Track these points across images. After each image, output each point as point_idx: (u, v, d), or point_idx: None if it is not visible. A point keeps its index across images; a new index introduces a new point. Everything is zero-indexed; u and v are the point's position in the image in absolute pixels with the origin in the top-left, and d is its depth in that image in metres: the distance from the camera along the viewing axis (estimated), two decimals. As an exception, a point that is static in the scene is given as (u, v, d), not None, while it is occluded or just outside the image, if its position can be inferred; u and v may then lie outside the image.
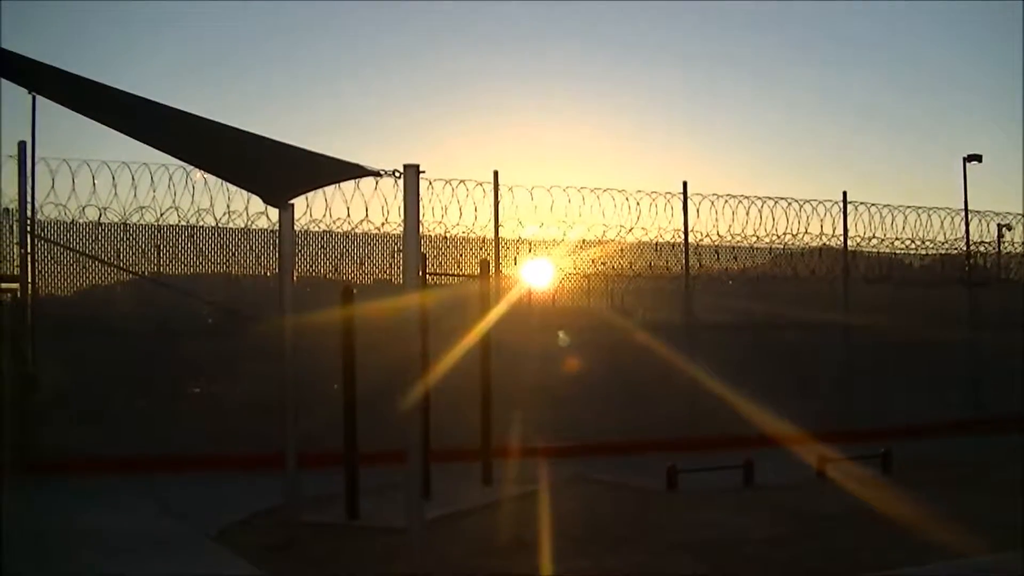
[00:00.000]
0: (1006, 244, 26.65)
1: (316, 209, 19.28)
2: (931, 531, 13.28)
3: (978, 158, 35.88)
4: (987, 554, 11.68)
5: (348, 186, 18.41)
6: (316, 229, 19.37)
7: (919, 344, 24.33)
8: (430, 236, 19.80)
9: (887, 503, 15.39)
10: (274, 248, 18.79)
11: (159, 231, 18.82)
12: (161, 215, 18.58)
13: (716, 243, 22.58)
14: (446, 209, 19.95)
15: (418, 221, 9.73)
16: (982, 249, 26.38)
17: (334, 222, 19.31)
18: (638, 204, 21.53)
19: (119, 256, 18.72)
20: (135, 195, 18.34)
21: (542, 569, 11.32)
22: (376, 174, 10.63)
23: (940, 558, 11.53)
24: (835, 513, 14.65)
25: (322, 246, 19.65)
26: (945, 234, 25.15)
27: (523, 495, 15.79)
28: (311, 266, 19.56)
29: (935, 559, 11.48)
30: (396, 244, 19.88)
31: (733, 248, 22.91)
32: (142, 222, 18.67)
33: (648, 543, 12.67)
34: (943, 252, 25.45)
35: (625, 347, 21.38)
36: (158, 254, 18.97)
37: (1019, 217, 26.29)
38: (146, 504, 14.93)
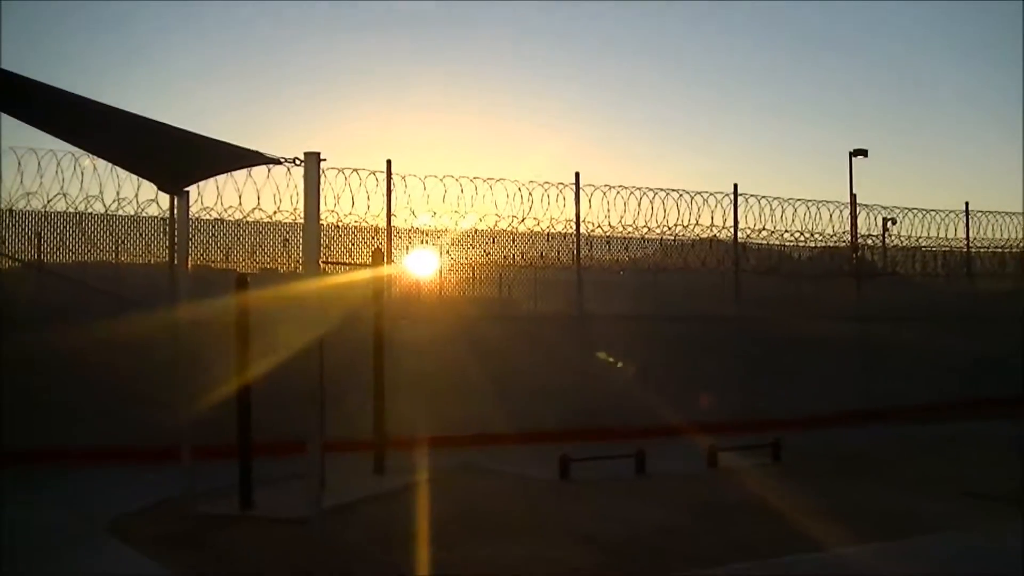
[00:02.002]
0: (892, 237, 27.10)
1: (207, 197, 19.01)
2: (816, 520, 13.50)
3: (864, 153, 36.59)
4: (868, 543, 11.85)
5: (240, 174, 18.17)
6: (207, 217, 19.09)
7: (809, 336, 24.66)
8: (323, 225, 19.63)
9: (776, 492, 15.61)
10: (165, 236, 18.53)
11: (45, 218, 18.45)
12: (48, 202, 18.22)
13: (608, 234, 22.63)
14: (339, 198, 19.81)
15: (318, 209, 9.65)
16: (869, 242, 26.81)
17: (226, 210, 19.06)
18: (530, 194, 21.56)
19: (3, 243, 18.33)
20: (21, 181, 17.98)
21: (434, 558, 11.29)
22: (276, 161, 10.54)
23: (823, 547, 11.69)
24: (726, 502, 14.79)
25: (213, 234, 19.37)
26: (833, 227, 25.54)
27: (416, 485, 15.76)
28: (202, 255, 19.26)
29: (818, 548, 11.63)
30: (288, 232, 19.68)
31: (625, 239, 22.98)
32: (28, 208, 18.30)
33: (541, 532, 12.69)
34: (831, 245, 25.81)
35: (517, 337, 21.39)
36: (39, 241, 18.57)
37: (905, 211, 26.74)
38: (37, 496, 14.68)
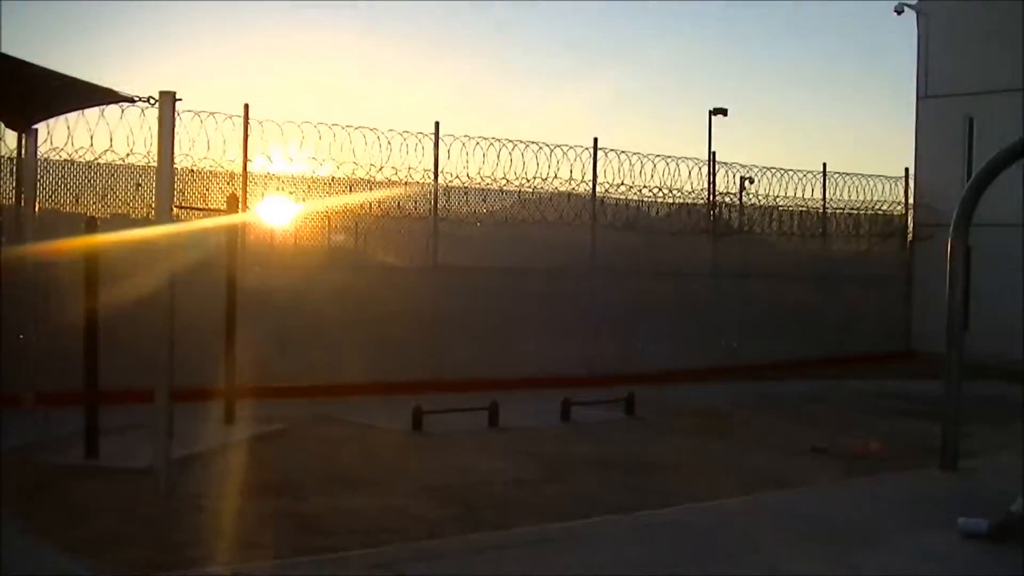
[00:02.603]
0: (749, 196, 27.40)
1: (57, 136, 18.42)
2: (666, 475, 13.64)
3: (724, 111, 36.94)
4: (715, 499, 11.97)
5: (92, 114, 17.64)
6: (57, 158, 18.50)
7: (665, 292, 24.90)
8: (178, 169, 19.12)
9: (628, 447, 15.73)
10: (11, 176, 17.91)
11: None
12: None
13: (466, 185, 22.50)
14: (194, 142, 19.35)
15: (172, 151, 9.40)
16: (727, 200, 27.08)
17: (76, 151, 18.48)
18: (389, 143, 21.31)
19: None
20: None
21: (284, 508, 11.15)
22: (130, 100, 10.28)
23: (671, 502, 11.77)
24: (578, 456, 14.85)
25: (63, 176, 18.77)
26: (692, 184, 25.75)
27: (268, 435, 15.56)
28: (51, 197, 18.63)
29: (666, 503, 11.71)
30: (141, 176, 19.19)
31: (483, 191, 22.87)
32: None
33: (393, 485, 12.61)
34: (689, 202, 25.99)
35: (372, 287, 21.22)
36: None
37: (763, 170, 27.02)
38: None
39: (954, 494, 12.27)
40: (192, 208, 18.91)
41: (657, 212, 25.72)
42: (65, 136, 18.35)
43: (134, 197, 19.33)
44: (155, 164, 10.65)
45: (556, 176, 23.22)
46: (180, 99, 9.41)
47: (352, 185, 21.43)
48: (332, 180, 21.28)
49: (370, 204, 21.80)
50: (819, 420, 18.98)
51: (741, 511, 11.32)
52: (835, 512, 11.39)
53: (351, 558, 8.87)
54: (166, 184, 9.48)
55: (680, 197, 25.59)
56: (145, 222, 18.03)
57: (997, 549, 9.80)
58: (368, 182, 21.50)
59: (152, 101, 9.52)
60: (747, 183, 27.65)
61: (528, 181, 22.97)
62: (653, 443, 16.12)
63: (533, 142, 22.83)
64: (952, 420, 13.58)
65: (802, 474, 13.86)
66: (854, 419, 19.23)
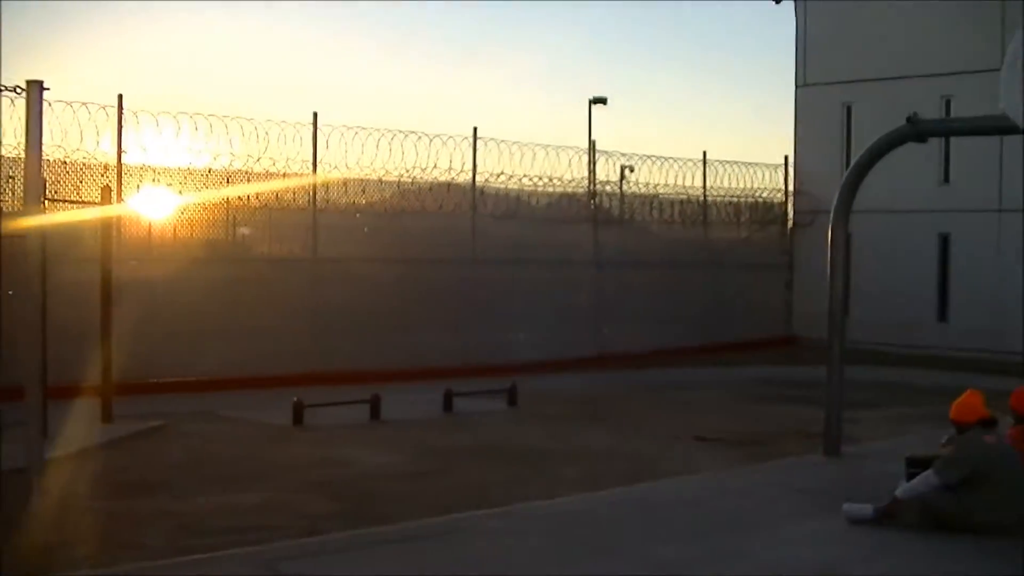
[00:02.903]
0: (631, 184, 27.44)
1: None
2: (548, 465, 13.60)
3: (603, 100, 37.00)
4: (599, 489, 11.94)
5: (-43, 105, 17.09)
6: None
7: (546, 281, 24.86)
8: (49, 160, 18.65)
9: (510, 437, 15.66)
10: None
11: None
12: None
13: (345, 176, 22.25)
14: (66, 133, 18.88)
15: (41, 142, 9.11)
16: (608, 189, 27.09)
17: (-66, 142, 17.86)
18: (267, 133, 20.99)
19: None
20: None
21: (162, 507, 10.92)
22: (-6, 90, 9.90)
23: (555, 493, 11.73)
24: (460, 448, 14.76)
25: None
26: (572, 173, 25.72)
27: (145, 432, 15.27)
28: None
29: (549, 494, 11.66)
30: (11, 168, 18.65)
31: (362, 181, 22.63)
32: None
33: (274, 480, 12.43)
34: (570, 191, 25.96)
35: (250, 280, 20.93)
36: None
37: (644, 159, 27.07)
38: None
39: (839, 480, 12.38)
40: (64, 201, 18.44)
41: (538, 201, 25.64)
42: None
43: (5, 190, 18.78)
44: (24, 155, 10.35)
45: (436, 166, 23.05)
46: (48, 88, 9.12)
47: (229, 177, 21.09)
48: (209, 172, 20.93)
49: (248, 196, 21.46)
50: (701, 407, 19.08)
51: (625, 500, 11.30)
52: (720, 500, 11.43)
53: (230, 557, 8.70)
54: (34, 175, 9.18)
55: (561, 186, 25.57)
56: (14, 214, 17.54)
57: (882, 533, 9.89)
58: (246, 173, 21.16)
59: (19, 90, 9.22)
60: (627, 171, 27.71)
61: (408, 171, 22.75)
62: (536, 433, 16.07)
63: (412, 131, 22.63)
64: (835, 406, 13.70)
65: (686, 462, 13.89)
66: (736, 406, 19.34)
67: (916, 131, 12.98)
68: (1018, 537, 9.63)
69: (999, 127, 12.53)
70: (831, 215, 13.74)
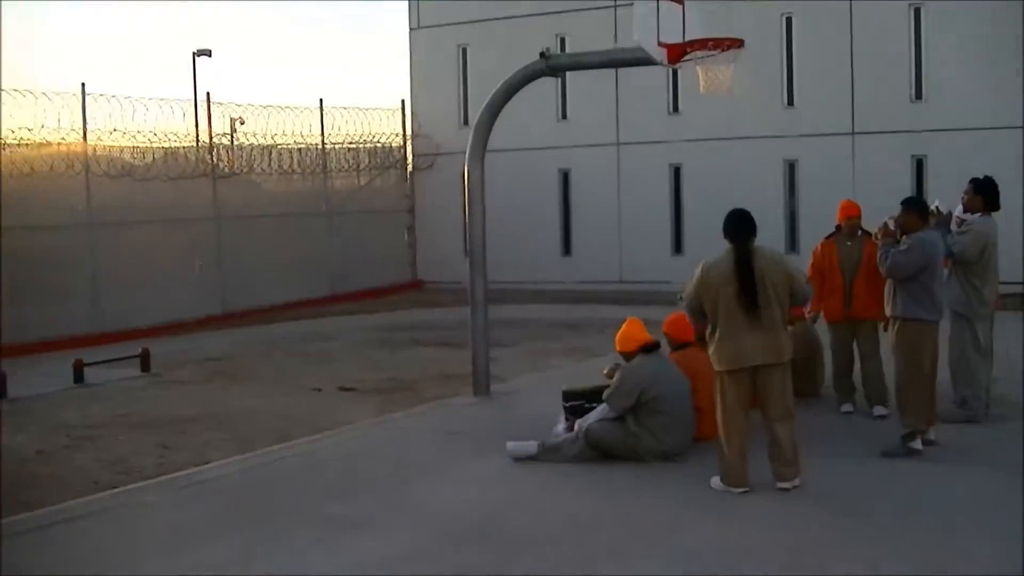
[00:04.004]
0: (248, 136, 26.69)
1: None
2: (197, 428, 13.15)
3: (208, 53, 36.05)
4: (259, 447, 11.60)
5: None
6: None
7: (165, 240, 24.02)
8: None
9: (149, 404, 15.03)
10: None
11: None
12: None
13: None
14: None
15: None
16: (225, 141, 26.36)
17: None
18: None
19: None
20: None
21: None
22: None
23: (210, 457, 11.37)
24: (98, 419, 14.04)
25: None
26: (188, 127, 24.85)
27: None
28: None
29: (205, 458, 11.33)
30: None
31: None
32: None
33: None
34: (186, 145, 25.07)
35: None
36: None
37: (260, 108, 26.37)
38: None
39: (494, 419, 12.40)
40: None
41: (154, 157, 24.54)
42: None
43: None
44: None
45: (43, 127, 21.66)
46: None
47: None
48: None
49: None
50: (339, 358, 18.78)
51: (284, 459, 10.96)
52: (381, 449, 11.27)
53: None
54: None
55: (177, 140, 24.66)
56: None
57: (549, 468, 9.92)
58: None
59: None
60: (239, 123, 27.01)
61: (12, 132, 21.32)
62: (176, 398, 15.46)
63: (16, 89, 21.24)
64: (481, 346, 13.70)
65: (336, 414, 13.59)
66: (373, 353, 19.13)
67: (550, 66, 13.00)
68: (683, 461, 9.91)
69: (634, 59, 12.70)
70: (467, 154, 13.59)
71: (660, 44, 12.17)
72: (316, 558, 7.75)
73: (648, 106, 27.66)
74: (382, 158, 30.43)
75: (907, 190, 24.17)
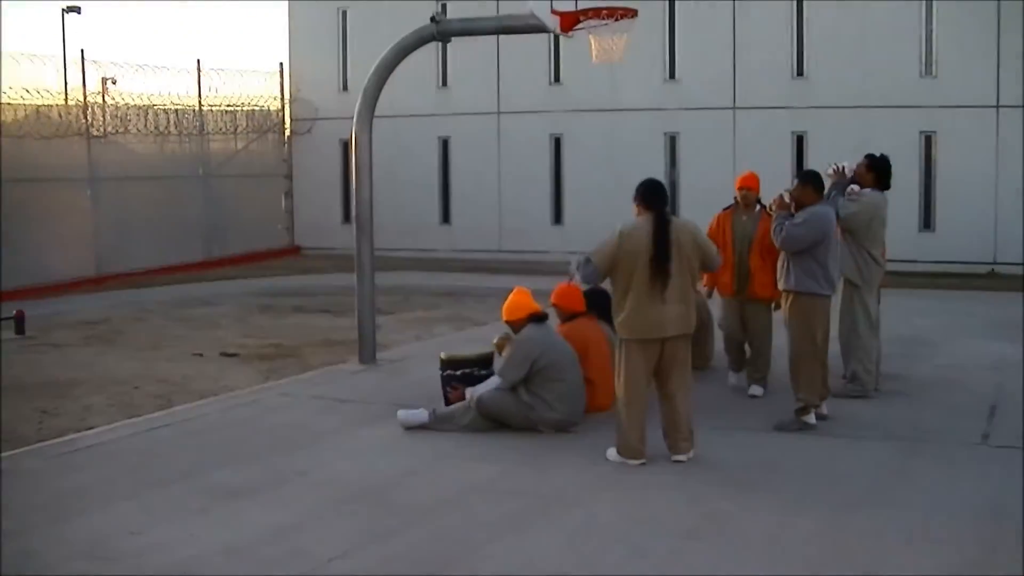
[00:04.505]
0: (123, 96, 26.15)
1: None
2: (80, 393, 12.86)
3: (77, 10, 35.50)
4: (146, 412, 11.41)
5: None
6: None
7: (38, 200, 23.43)
8: None
9: (27, 368, 14.67)
10: None
11: None
12: None
13: None
14: None
15: None
16: (99, 100, 25.82)
17: None
18: None
19: None
20: None
21: None
22: None
23: (94, 422, 11.16)
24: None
25: None
26: (61, 85, 24.30)
27: None
28: None
29: (89, 423, 11.12)
30: None
31: None
32: None
33: None
34: (59, 104, 24.50)
35: None
36: None
37: (136, 68, 25.85)
38: None
39: (382, 387, 12.35)
40: None
41: (25, 115, 23.92)
42: None
43: None
44: None
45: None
46: None
47: None
48: None
49: None
50: (219, 323, 18.49)
51: (169, 425, 10.77)
52: (269, 417, 11.14)
53: None
54: None
55: (48, 98, 24.07)
56: None
57: (440, 437, 9.89)
58: None
59: None
60: (111, 82, 26.51)
61: None
62: (54, 362, 15.12)
63: None
64: (367, 313, 13.61)
65: (220, 380, 13.42)
66: (253, 319, 18.90)
67: (440, 31, 12.88)
68: (577, 431, 9.94)
69: (526, 26, 12.66)
70: (354, 118, 13.43)
71: (553, 11, 12.17)
72: (203, 527, 7.61)
73: (529, 76, 27.67)
74: (260, 122, 30.08)
75: (787, 166, 24.58)
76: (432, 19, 12.86)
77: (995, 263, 24.08)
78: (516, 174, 28.12)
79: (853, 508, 7.91)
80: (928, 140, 24.93)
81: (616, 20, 12.35)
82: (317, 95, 29.68)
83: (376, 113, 13.45)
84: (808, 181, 10.43)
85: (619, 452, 9.07)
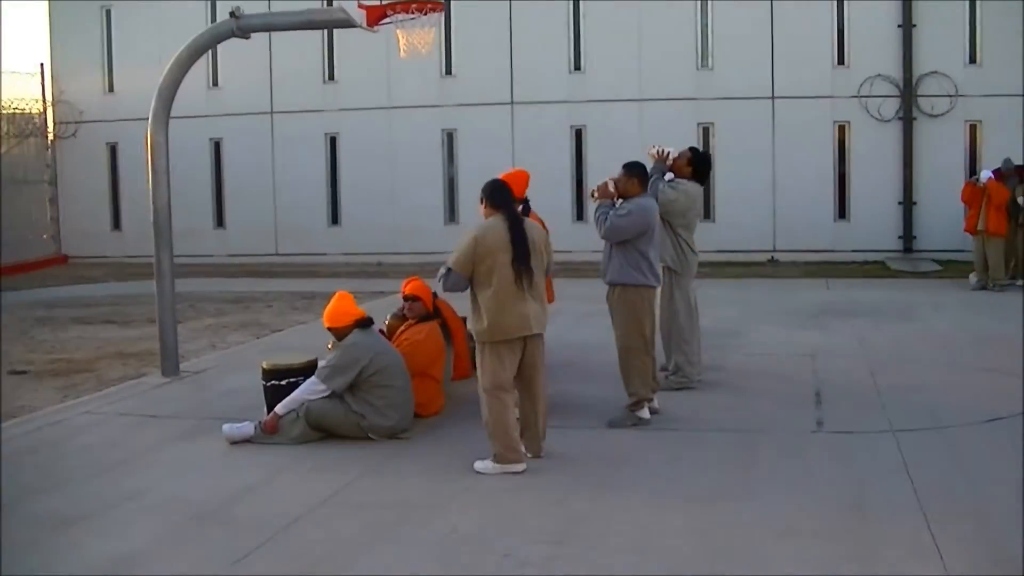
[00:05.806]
0: None
1: None
2: None
3: None
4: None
5: None
6: None
7: None
8: None
9: None
10: None
11: None
12: None
13: None
14: None
15: None
16: None
17: None
18: None
19: None
20: None
21: None
22: None
23: None
24: None
25: None
26: None
27: None
28: None
29: None
30: None
31: None
32: None
33: None
34: None
35: None
36: None
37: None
38: None
39: (192, 400, 11.85)
40: None
41: None
42: None
43: None
44: None
45: None
46: None
47: None
48: None
49: None
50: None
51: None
52: (81, 437, 10.49)
53: None
54: None
55: None
56: None
57: (270, 449, 9.48)
58: None
59: None
60: None
61: None
62: None
63: None
64: (169, 323, 13.03)
65: (13, 400, 12.51)
66: (33, 332, 17.89)
67: (240, 27, 12.37)
68: (406, 438, 9.67)
69: (332, 20, 12.35)
70: (150, 119, 12.80)
71: (360, 6, 11.91)
72: (38, 562, 7.07)
73: (304, 74, 27.24)
74: (21, 125, 28.78)
75: (567, 159, 24.76)
76: (232, 14, 12.33)
77: (775, 251, 24.72)
78: (291, 175, 27.60)
79: (715, 502, 7.85)
80: (706, 131, 25.37)
81: (424, 14, 12.13)
82: (81, 97, 28.54)
83: (142, 115, 12.86)
84: (634, 172, 10.30)
85: (498, 461, 8.71)
